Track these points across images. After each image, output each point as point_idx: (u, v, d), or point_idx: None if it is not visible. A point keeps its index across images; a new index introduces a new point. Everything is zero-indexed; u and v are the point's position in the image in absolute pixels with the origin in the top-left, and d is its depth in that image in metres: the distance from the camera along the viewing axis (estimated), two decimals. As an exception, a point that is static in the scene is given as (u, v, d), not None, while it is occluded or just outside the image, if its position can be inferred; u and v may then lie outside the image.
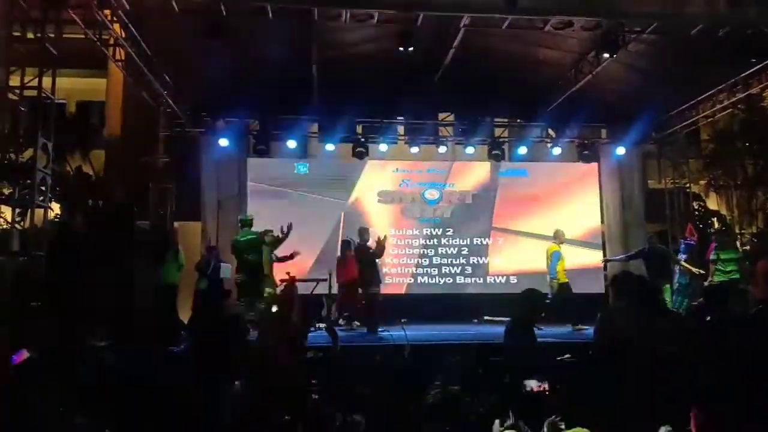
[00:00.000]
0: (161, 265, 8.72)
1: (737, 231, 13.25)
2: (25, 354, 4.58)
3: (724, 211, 14.64)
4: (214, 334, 6.06)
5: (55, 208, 9.58)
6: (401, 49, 7.54)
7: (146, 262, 8.77)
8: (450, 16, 7.40)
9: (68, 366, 5.35)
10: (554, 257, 9.34)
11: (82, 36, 10.41)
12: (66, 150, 11.31)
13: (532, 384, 3.90)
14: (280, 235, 8.63)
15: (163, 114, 10.72)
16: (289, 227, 8.66)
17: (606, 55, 8.24)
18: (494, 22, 7.62)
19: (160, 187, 11.12)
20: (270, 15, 7.11)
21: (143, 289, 8.13)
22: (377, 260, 9.06)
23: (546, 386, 3.85)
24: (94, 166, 12.49)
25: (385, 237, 8.92)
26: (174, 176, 11.28)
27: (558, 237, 9.63)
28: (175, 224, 11.28)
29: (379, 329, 8.30)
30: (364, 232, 9.24)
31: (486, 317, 10.98)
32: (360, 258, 8.93)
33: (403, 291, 11.42)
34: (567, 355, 5.48)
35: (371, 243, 9.00)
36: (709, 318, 4.49)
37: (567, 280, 9.31)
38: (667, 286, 9.16)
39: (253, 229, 9.00)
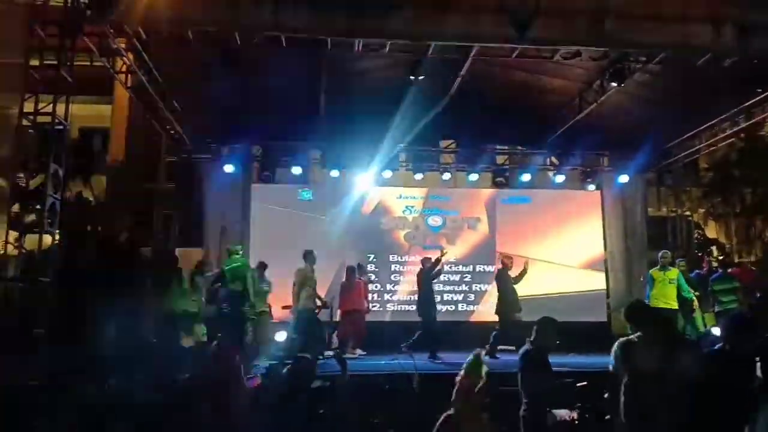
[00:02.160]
0: (167, 292, 8.61)
1: (736, 259, 13.33)
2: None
3: (722, 240, 14.77)
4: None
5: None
6: (412, 77, 7.60)
7: (151, 290, 8.67)
8: (461, 46, 7.47)
9: (75, 392, 5.25)
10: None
11: (88, 63, 10.50)
12: (67, 175, 11.29)
13: (562, 413, 3.82)
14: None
15: (168, 140, 10.73)
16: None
17: (613, 85, 8.35)
18: (503, 51, 7.71)
19: (164, 213, 11.07)
20: (283, 44, 7.17)
21: (147, 317, 8.02)
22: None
23: (575, 416, 3.78)
24: (95, 192, 12.47)
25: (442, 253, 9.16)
26: (177, 203, 11.25)
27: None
28: (177, 251, 11.20)
29: (389, 358, 8.22)
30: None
31: (488, 345, 10.88)
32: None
33: (405, 318, 11.31)
34: (584, 383, 5.43)
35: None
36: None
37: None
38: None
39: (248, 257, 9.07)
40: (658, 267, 8.84)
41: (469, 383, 4.26)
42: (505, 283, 9.11)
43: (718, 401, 3.52)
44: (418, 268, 11.60)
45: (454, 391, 4.21)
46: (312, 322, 8.80)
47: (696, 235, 13.63)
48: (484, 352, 5.97)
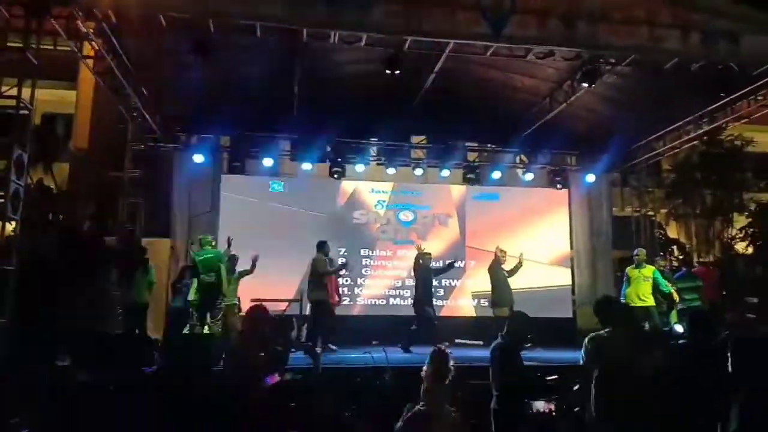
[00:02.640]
0: (132, 283, 8.44)
1: (695, 259, 13.76)
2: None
3: (683, 240, 15.21)
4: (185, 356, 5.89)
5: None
6: (388, 72, 7.60)
7: (115, 279, 8.48)
8: (437, 42, 7.50)
9: (34, 384, 5.11)
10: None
11: (51, 46, 10.16)
12: (29, 162, 10.93)
13: (539, 406, 3.90)
14: (248, 268, 8.81)
15: (135, 128, 10.48)
16: (255, 259, 8.78)
17: (584, 85, 8.51)
18: (478, 49, 7.77)
19: (129, 202, 10.81)
20: (258, 33, 7.07)
21: (112, 307, 7.85)
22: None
23: (552, 407, 3.86)
24: (57, 180, 12.09)
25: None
26: (144, 192, 11.00)
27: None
28: (144, 241, 10.96)
29: (360, 351, 8.23)
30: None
31: (457, 340, 10.99)
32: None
33: (375, 312, 11.35)
34: (555, 377, 5.54)
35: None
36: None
37: None
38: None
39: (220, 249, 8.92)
40: (634, 265, 9.05)
41: (436, 377, 4.29)
42: (496, 275, 9.26)
43: (683, 395, 3.65)
44: (389, 262, 11.78)
45: (422, 385, 4.24)
46: (327, 312, 8.86)
47: (658, 234, 14.00)
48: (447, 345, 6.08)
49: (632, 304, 8.67)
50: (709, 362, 3.78)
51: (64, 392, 5.00)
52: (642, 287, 8.76)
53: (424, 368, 4.16)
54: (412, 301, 9.61)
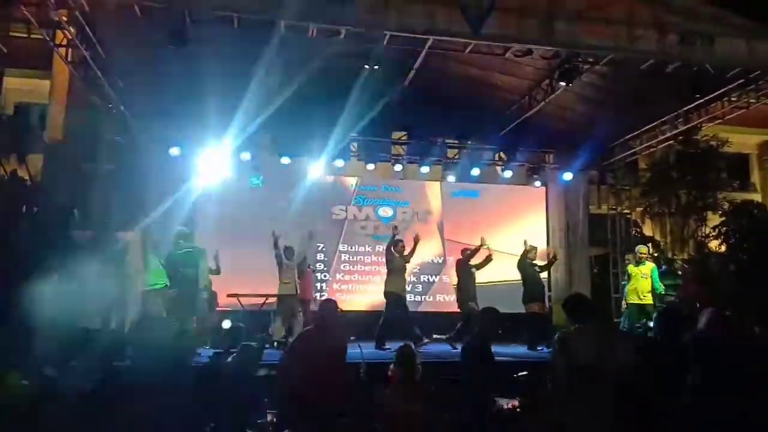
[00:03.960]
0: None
1: (670, 256, 13.97)
2: None
3: (658, 237, 15.43)
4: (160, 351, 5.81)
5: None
6: (366, 66, 7.57)
7: (89, 273, 8.31)
8: (417, 37, 7.48)
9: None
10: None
11: (25, 34, 9.91)
12: (1, 153, 10.72)
13: (503, 402, 3.93)
14: (213, 267, 8.79)
15: (111, 119, 10.30)
16: (216, 257, 8.90)
17: (562, 84, 8.57)
18: (458, 45, 7.77)
19: (104, 194, 10.63)
20: (236, 24, 6.99)
21: (89, 301, 7.70)
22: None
23: (516, 403, 3.89)
24: (30, 171, 11.85)
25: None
26: (119, 184, 10.82)
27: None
28: (118, 234, 10.80)
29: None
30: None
31: (435, 336, 11.03)
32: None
33: (354, 308, 11.33)
34: (524, 373, 5.58)
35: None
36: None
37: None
38: None
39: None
40: (634, 262, 9.14)
41: (402, 374, 4.32)
42: (525, 271, 9.39)
43: (648, 390, 3.70)
44: (368, 257, 11.76)
45: (388, 382, 4.26)
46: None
47: (634, 232, 14.19)
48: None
49: (632, 302, 8.79)
50: (673, 357, 3.84)
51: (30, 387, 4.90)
52: (641, 285, 8.83)
53: (391, 367, 4.18)
54: (457, 297, 9.46)
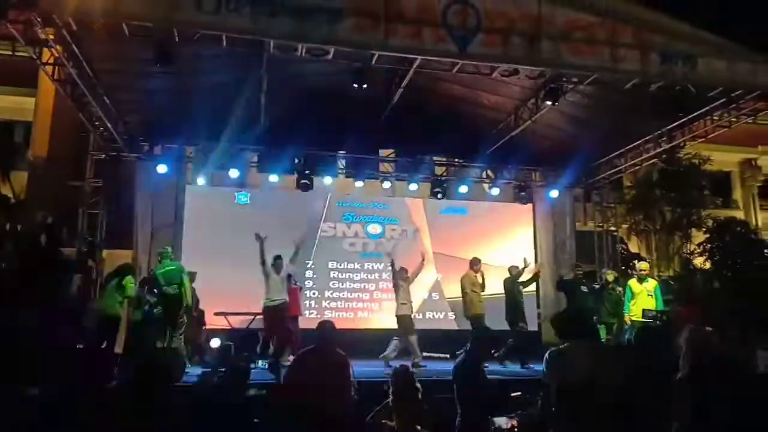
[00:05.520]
0: (103, 294, 8.19)
1: (656, 273, 14.08)
2: None
3: (644, 254, 15.57)
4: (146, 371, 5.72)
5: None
6: (355, 85, 7.62)
7: (75, 292, 8.22)
8: (404, 57, 7.56)
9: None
10: None
11: (9, 52, 9.86)
12: (-17, 170, 10.64)
13: (501, 421, 3.90)
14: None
15: (97, 137, 10.25)
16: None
17: (548, 103, 8.67)
18: (445, 65, 7.85)
19: (90, 213, 10.55)
20: (224, 44, 7.01)
21: (74, 319, 7.60)
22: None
23: (515, 423, 3.86)
24: (14, 189, 11.74)
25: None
26: (106, 203, 10.75)
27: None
28: (104, 252, 10.70)
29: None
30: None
31: (425, 353, 10.98)
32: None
33: (342, 326, 11.21)
34: (518, 393, 5.56)
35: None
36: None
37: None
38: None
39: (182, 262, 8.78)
40: (636, 278, 9.06)
41: (402, 395, 4.27)
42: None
43: (622, 409, 3.69)
44: (356, 275, 11.71)
45: (389, 402, 4.21)
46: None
47: (620, 249, 14.30)
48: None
49: (637, 320, 8.67)
50: (654, 376, 3.84)
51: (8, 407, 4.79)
52: (647, 303, 8.73)
53: (391, 388, 4.13)
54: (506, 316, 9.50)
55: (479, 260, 9.56)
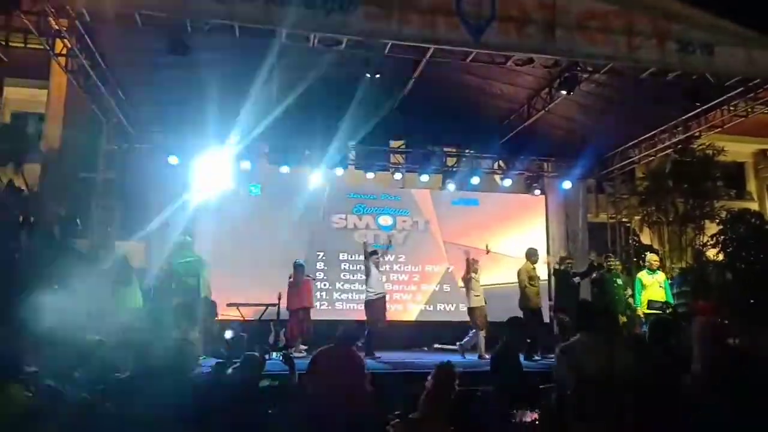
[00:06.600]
0: (120, 288, 8.23)
1: (668, 265, 13.98)
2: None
3: (656, 246, 15.46)
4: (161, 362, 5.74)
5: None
6: (368, 75, 7.57)
7: (90, 282, 8.23)
8: (418, 46, 7.48)
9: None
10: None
11: (22, 44, 9.85)
12: (-2, 161, 10.69)
13: (524, 414, 3.88)
14: None
15: (110, 129, 10.27)
16: None
17: (563, 93, 8.57)
18: (459, 54, 7.77)
19: (103, 204, 10.59)
20: (237, 33, 6.98)
21: (90, 312, 7.61)
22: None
23: (536, 416, 3.84)
24: (27, 180, 11.78)
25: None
26: (118, 194, 10.78)
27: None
28: (117, 244, 10.73)
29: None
30: None
31: (436, 345, 10.99)
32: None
33: (353, 317, 11.26)
34: (550, 385, 5.52)
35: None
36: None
37: None
38: None
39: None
40: (646, 270, 8.99)
41: (440, 390, 4.20)
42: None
43: (649, 399, 3.66)
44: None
45: (424, 395, 4.15)
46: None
47: (632, 241, 14.21)
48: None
49: (647, 312, 8.62)
50: (669, 367, 3.80)
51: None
52: (658, 294, 8.69)
53: (428, 381, 4.11)
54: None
55: (536, 250, 9.59)
